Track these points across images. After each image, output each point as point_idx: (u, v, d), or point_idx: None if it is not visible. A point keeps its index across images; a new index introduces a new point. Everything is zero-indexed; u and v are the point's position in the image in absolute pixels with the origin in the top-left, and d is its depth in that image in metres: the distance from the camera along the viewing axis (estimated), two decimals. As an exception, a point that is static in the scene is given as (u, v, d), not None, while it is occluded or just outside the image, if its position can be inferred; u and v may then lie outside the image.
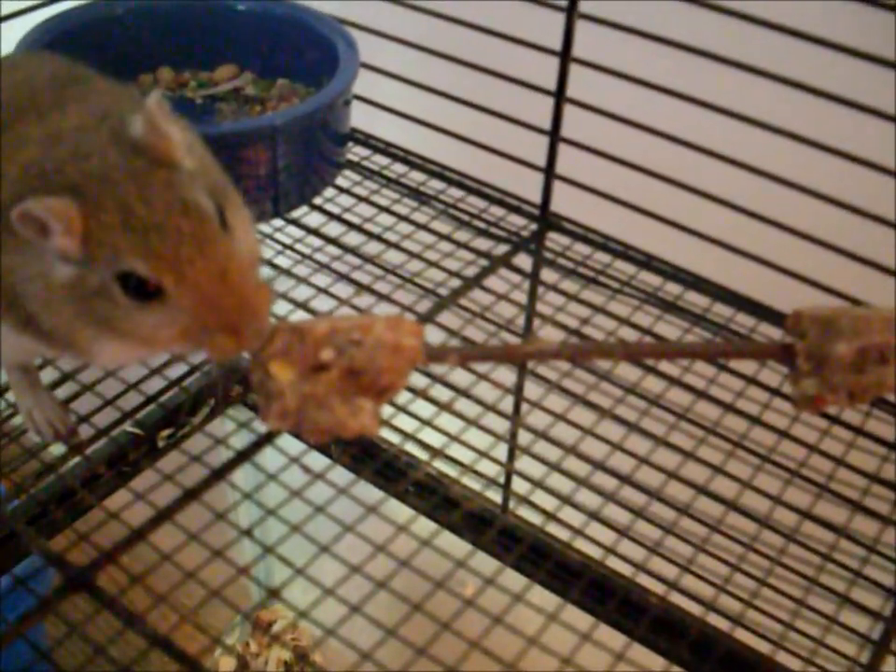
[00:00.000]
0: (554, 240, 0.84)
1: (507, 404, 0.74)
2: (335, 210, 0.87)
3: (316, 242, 0.84)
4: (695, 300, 0.78)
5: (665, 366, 0.72)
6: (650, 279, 0.80)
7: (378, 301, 0.77)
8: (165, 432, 0.77)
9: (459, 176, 0.91)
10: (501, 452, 0.80)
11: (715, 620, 0.64)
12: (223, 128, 0.84)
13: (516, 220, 0.86)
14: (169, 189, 0.50)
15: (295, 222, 0.85)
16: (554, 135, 0.82)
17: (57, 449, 0.69)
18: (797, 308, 0.60)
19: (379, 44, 0.87)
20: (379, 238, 0.83)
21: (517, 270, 0.81)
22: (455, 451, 0.69)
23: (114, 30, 0.88)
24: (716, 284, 0.80)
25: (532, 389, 0.74)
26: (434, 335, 0.73)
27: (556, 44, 0.78)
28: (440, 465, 0.79)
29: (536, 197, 0.86)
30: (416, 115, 0.89)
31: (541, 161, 0.84)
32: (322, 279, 0.79)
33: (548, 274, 0.81)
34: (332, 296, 0.78)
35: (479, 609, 0.54)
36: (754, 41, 0.68)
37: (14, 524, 0.62)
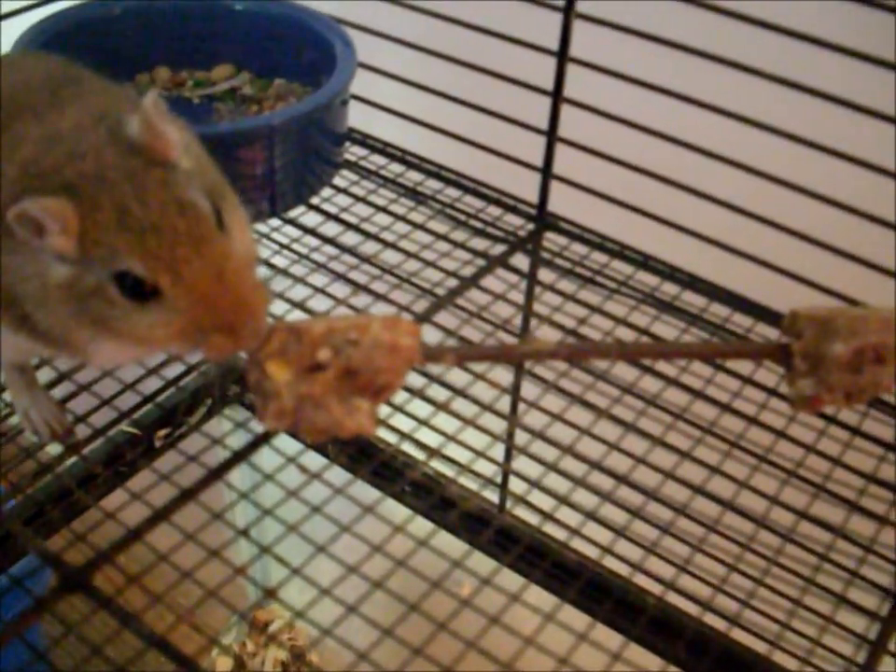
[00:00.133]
0: (551, 240, 0.84)
1: (504, 404, 0.74)
2: (332, 210, 0.87)
3: (313, 241, 0.83)
4: (692, 300, 0.78)
5: (662, 366, 0.72)
6: (647, 279, 0.80)
7: (375, 301, 0.77)
8: (162, 432, 0.77)
9: (456, 176, 0.91)
10: (498, 452, 0.80)
11: (712, 620, 0.64)
12: (220, 127, 0.83)
13: (513, 220, 0.86)
14: (165, 188, 0.50)
15: (292, 222, 0.85)
16: (551, 135, 0.82)
17: (54, 449, 0.69)
18: (794, 308, 0.60)
19: (376, 44, 0.87)
20: (376, 238, 0.83)
21: (514, 270, 0.81)
22: (452, 451, 0.69)
23: (111, 29, 0.88)
24: (713, 284, 0.80)
25: (529, 389, 0.74)
26: (431, 335, 0.72)
27: (553, 44, 0.78)
28: (437, 465, 0.80)
29: (533, 197, 0.86)
30: (414, 115, 0.89)
31: (538, 160, 0.84)
32: (319, 279, 0.79)
33: (545, 274, 0.81)
34: (329, 296, 0.78)
35: (475, 609, 0.54)
36: (751, 41, 0.68)
37: (11, 524, 0.62)
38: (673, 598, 0.65)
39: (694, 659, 0.62)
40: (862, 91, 0.65)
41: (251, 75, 0.92)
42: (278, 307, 0.74)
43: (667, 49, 0.72)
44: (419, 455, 0.77)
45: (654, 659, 0.67)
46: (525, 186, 0.86)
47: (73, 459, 0.69)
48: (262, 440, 0.62)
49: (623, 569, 0.72)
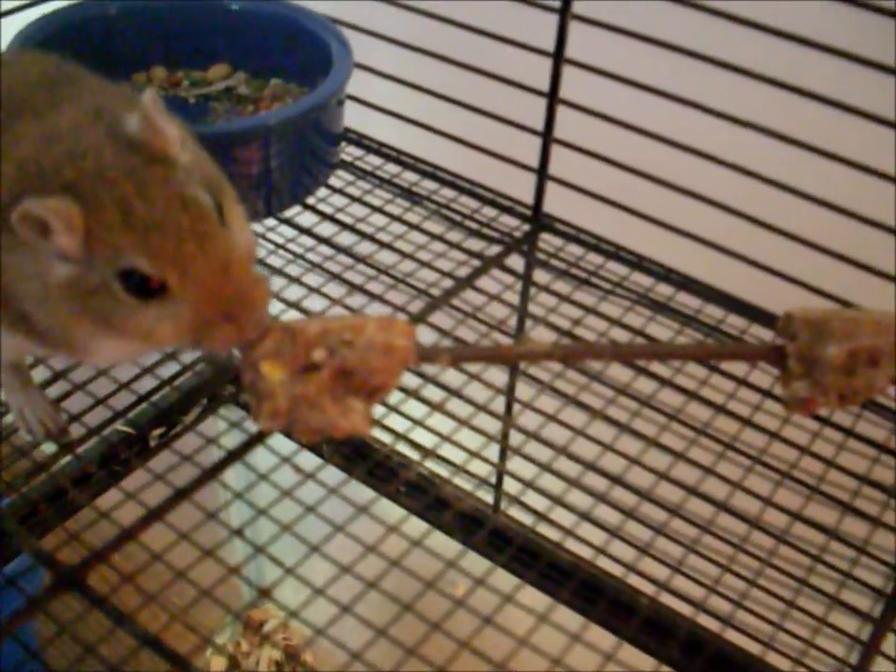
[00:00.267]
0: (547, 241, 0.84)
1: (499, 404, 0.74)
2: (328, 210, 0.87)
3: (309, 241, 0.84)
4: (687, 301, 0.79)
5: (656, 367, 0.72)
6: (641, 280, 0.80)
7: (370, 301, 0.77)
8: (157, 431, 0.77)
9: (452, 177, 0.91)
10: (493, 452, 0.80)
11: (705, 620, 0.64)
12: (216, 127, 0.83)
13: (509, 221, 0.87)
14: (167, 185, 0.50)
15: (287, 222, 0.85)
16: (547, 136, 0.82)
17: (48, 448, 0.69)
18: (788, 310, 0.60)
19: (372, 44, 0.87)
20: (371, 238, 0.84)
21: (509, 270, 0.81)
22: (447, 451, 0.69)
23: (107, 29, 0.88)
24: (707, 285, 0.80)
25: (524, 390, 0.74)
26: (426, 335, 0.73)
27: (549, 45, 0.78)
28: (431, 465, 0.79)
29: (528, 198, 0.86)
30: (409, 115, 0.89)
31: (534, 161, 0.84)
32: (314, 279, 0.79)
33: (540, 275, 0.81)
34: (324, 296, 0.78)
35: (469, 610, 0.54)
36: (748, 44, 0.68)
37: (4, 522, 0.61)
38: (666, 599, 0.66)
39: (688, 659, 0.62)
40: (860, 94, 0.65)
41: (247, 75, 0.92)
42: (273, 307, 0.73)
43: (663, 50, 0.72)
44: (414, 455, 0.77)
45: (647, 659, 0.67)
46: (521, 187, 0.86)
47: (67, 458, 0.69)
48: (257, 439, 0.62)
49: (616, 570, 0.72)
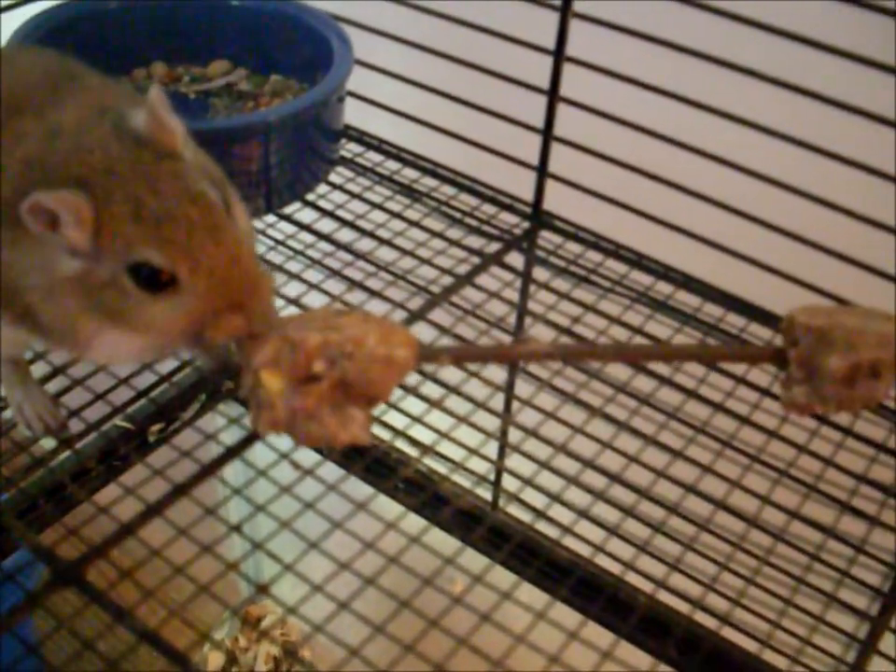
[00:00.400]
0: (546, 238, 0.84)
1: (497, 402, 0.74)
2: (328, 206, 0.87)
3: (309, 238, 0.84)
4: (686, 299, 0.79)
5: (655, 365, 0.72)
6: (641, 278, 0.80)
7: (370, 298, 0.77)
8: (156, 427, 0.77)
9: (452, 174, 0.91)
10: (492, 449, 0.80)
11: (702, 618, 0.65)
12: (216, 123, 0.83)
13: (508, 218, 0.87)
14: (177, 179, 0.50)
15: (287, 218, 0.85)
16: (547, 134, 0.82)
17: (47, 443, 0.69)
18: (791, 312, 0.60)
19: (373, 41, 0.87)
20: (371, 235, 0.84)
21: (509, 268, 0.81)
22: (446, 448, 0.69)
23: (108, 24, 0.88)
24: (707, 283, 0.80)
25: (523, 387, 0.74)
26: (425, 332, 0.73)
27: (550, 42, 0.78)
28: (430, 462, 0.80)
29: (528, 195, 0.86)
30: (410, 112, 0.89)
31: (534, 159, 0.84)
32: (314, 275, 0.79)
33: (540, 273, 0.82)
34: (324, 292, 0.78)
35: (467, 607, 0.54)
36: (748, 42, 0.68)
37: (3, 517, 0.62)
38: (664, 597, 0.66)
39: (685, 657, 0.62)
40: (861, 93, 0.65)
41: (247, 71, 0.92)
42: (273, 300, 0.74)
43: (664, 49, 0.72)
44: (412, 452, 0.77)
45: (645, 657, 0.67)
46: (521, 184, 0.86)
47: (66, 454, 0.69)
48: (256, 436, 0.62)
49: (614, 568, 0.72)
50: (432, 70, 0.85)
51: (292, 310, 0.75)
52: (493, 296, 0.77)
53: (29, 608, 0.54)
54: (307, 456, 0.63)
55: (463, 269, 0.79)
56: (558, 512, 0.67)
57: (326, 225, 0.85)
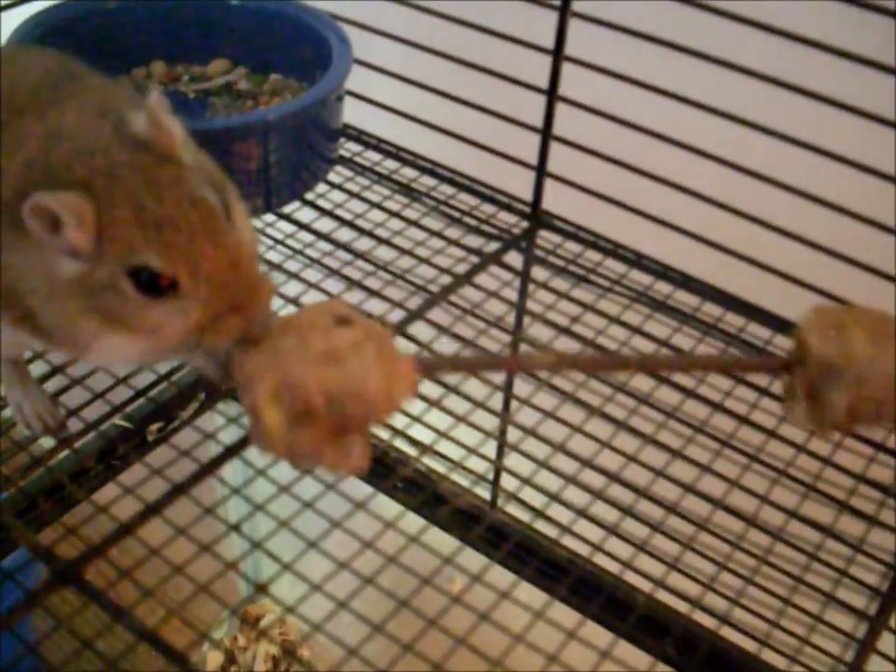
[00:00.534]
0: (545, 238, 0.84)
1: (496, 401, 0.74)
2: (327, 206, 0.87)
3: (308, 237, 0.84)
4: (685, 299, 0.79)
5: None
6: (640, 278, 0.80)
7: (369, 297, 0.77)
8: (155, 426, 0.77)
9: (451, 173, 0.91)
10: (490, 449, 0.80)
11: (701, 618, 0.65)
12: (215, 123, 0.83)
13: (507, 218, 0.87)
14: (177, 183, 0.50)
15: (286, 217, 0.85)
16: (546, 133, 0.82)
17: (46, 442, 0.69)
18: (803, 324, 0.59)
19: (372, 40, 0.87)
20: (370, 234, 0.84)
21: (508, 267, 0.81)
22: (445, 447, 0.69)
23: (107, 23, 0.88)
24: (706, 283, 0.80)
25: (521, 386, 0.74)
26: (424, 332, 0.73)
27: (549, 42, 0.78)
28: (429, 461, 0.80)
29: (527, 195, 0.86)
30: (409, 111, 0.89)
31: (533, 158, 0.84)
32: (313, 275, 0.79)
33: (538, 272, 0.82)
34: (323, 291, 0.78)
35: (466, 606, 0.54)
36: (747, 42, 0.68)
37: (2, 516, 0.62)
38: (663, 596, 0.66)
39: (684, 657, 0.62)
40: (861, 93, 0.65)
41: (247, 70, 0.92)
42: (273, 302, 0.74)
43: (663, 48, 0.72)
44: (411, 451, 0.77)
45: (644, 657, 0.67)
46: (520, 184, 0.86)
47: (65, 453, 0.69)
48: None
49: (613, 567, 0.72)
50: (431, 69, 0.85)
51: (292, 309, 0.75)
52: (492, 295, 0.77)
53: (28, 607, 0.54)
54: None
55: (462, 268, 0.79)
56: (557, 512, 0.67)
57: (325, 224, 0.85)
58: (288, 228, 0.85)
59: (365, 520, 0.58)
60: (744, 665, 0.71)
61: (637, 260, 0.82)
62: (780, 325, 0.76)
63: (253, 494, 0.61)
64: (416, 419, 0.69)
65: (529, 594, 0.59)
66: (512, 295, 0.80)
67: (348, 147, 0.94)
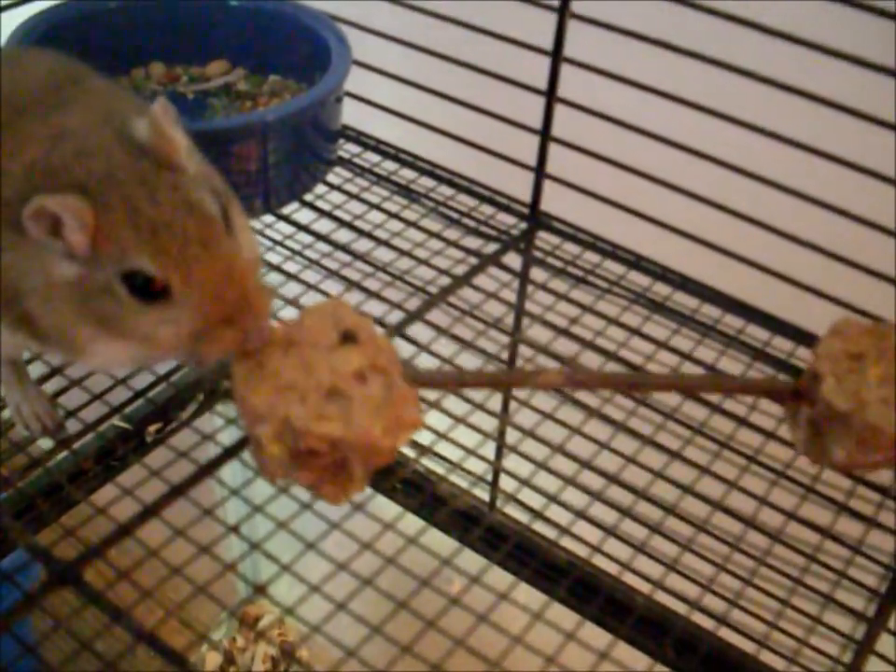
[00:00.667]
0: (544, 239, 0.84)
1: (495, 402, 0.74)
2: (325, 207, 0.87)
3: (306, 238, 0.84)
4: (684, 300, 0.79)
5: (653, 367, 0.72)
6: (638, 279, 0.80)
7: (368, 298, 0.77)
8: (153, 427, 0.77)
9: (450, 174, 0.91)
10: (489, 450, 0.80)
11: (700, 619, 0.65)
12: (214, 123, 0.83)
13: (506, 219, 0.87)
14: (175, 190, 0.50)
15: (285, 218, 0.85)
16: (545, 135, 0.82)
17: (44, 443, 0.69)
18: (818, 353, 0.58)
19: (371, 41, 0.87)
20: (369, 235, 0.84)
21: (506, 268, 0.81)
22: (443, 448, 0.69)
23: (106, 24, 0.88)
24: (705, 285, 0.80)
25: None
26: (423, 333, 0.73)
27: (548, 43, 0.78)
28: (427, 462, 0.80)
29: (526, 196, 0.86)
30: (408, 113, 0.89)
31: (532, 160, 0.84)
32: (312, 276, 0.79)
33: (537, 273, 0.82)
34: (322, 292, 0.78)
35: (464, 607, 0.54)
36: (747, 44, 0.68)
37: (1, 518, 0.62)
38: (661, 597, 0.66)
39: (682, 658, 0.62)
40: (861, 96, 0.65)
41: (246, 71, 0.92)
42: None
43: (662, 50, 0.72)
44: (410, 452, 0.77)
45: (642, 658, 0.67)
46: (518, 185, 0.86)
47: (63, 454, 0.69)
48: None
49: (612, 568, 0.72)
50: (430, 71, 0.85)
51: (291, 311, 0.75)
52: (490, 296, 0.77)
53: (27, 608, 0.54)
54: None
55: (461, 269, 0.79)
56: (556, 513, 0.67)
57: (324, 225, 0.85)
58: (287, 229, 0.85)
59: (364, 521, 0.58)
60: (742, 667, 0.71)
61: (636, 262, 0.82)
62: (779, 326, 0.76)
63: (252, 495, 0.61)
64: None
65: (528, 595, 0.60)
66: (511, 296, 0.80)
67: (347, 149, 0.94)
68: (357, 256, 0.81)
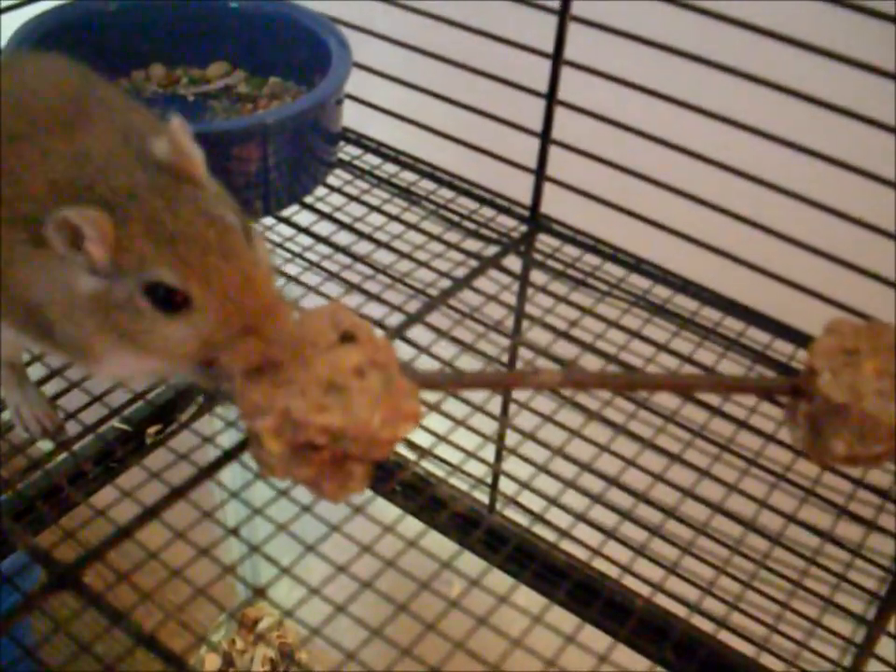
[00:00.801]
0: (544, 242, 0.84)
1: (495, 405, 0.74)
2: (326, 209, 0.87)
3: (307, 240, 0.84)
4: (684, 303, 0.79)
5: (653, 369, 0.72)
6: (639, 282, 0.80)
7: (368, 301, 0.77)
8: (153, 429, 0.77)
9: (450, 177, 0.91)
10: (489, 452, 0.80)
11: (700, 622, 0.65)
12: (215, 126, 0.83)
13: (506, 222, 0.87)
14: (195, 202, 0.51)
15: (286, 221, 0.85)
16: (545, 137, 0.82)
17: (44, 445, 0.69)
18: (814, 350, 0.58)
19: (371, 43, 0.87)
20: (369, 238, 0.84)
21: (507, 271, 0.81)
22: (443, 451, 0.69)
23: (107, 26, 0.88)
24: (705, 287, 0.80)
25: (519, 390, 0.74)
26: (423, 335, 0.73)
27: (548, 46, 0.78)
28: (427, 465, 0.79)
29: (526, 199, 0.86)
30: (408, 115, 0.89)
31: (532, 162, 0.84)
32: (312, 278, 0.80)
33: (537, 276, 0.82)
34: (322, 295, 0.78)
35: (464, 610, 0.54)
36: (746, 46, 0.68)
37: (0, 520, 0.61)
38: (661, 600, 0.66)
39: (682, 661, 0.62)
40: (860, 98, 0.65)
41: (246, 73, 0.92)
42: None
43: (662, 52, 0.72)
44: (410, 455, 0.77)
45: (642, 661, 0.67)
46: (519, 187, 0.86)
47: (63, 456, 0.69)
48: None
49: (611, 571, 0.72)
50: (431, 73, 0.85)
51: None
52: (491, 299, 0.77)
53: (26, 610, 0.54)
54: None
55: (461, 272, 0.79)
56: (555, 516, 0.67)
57: (324, 228, 0.85)
58: (287, 231, 0.85)
59: (363, 524, 0.58)
60: (742, 670, 0.71)
61: (636, 264, 0.82)
62: (779, 329, 0.76)
63: (251, 497, 0.61)
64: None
65: (527, 598, 0.59)
66: (511, 299, 0.80)
67: (347, 151, 0.94)
68: (357, 258, 0.81)
